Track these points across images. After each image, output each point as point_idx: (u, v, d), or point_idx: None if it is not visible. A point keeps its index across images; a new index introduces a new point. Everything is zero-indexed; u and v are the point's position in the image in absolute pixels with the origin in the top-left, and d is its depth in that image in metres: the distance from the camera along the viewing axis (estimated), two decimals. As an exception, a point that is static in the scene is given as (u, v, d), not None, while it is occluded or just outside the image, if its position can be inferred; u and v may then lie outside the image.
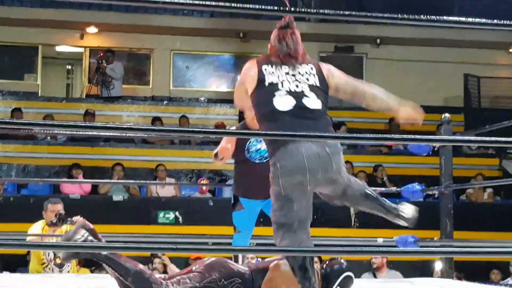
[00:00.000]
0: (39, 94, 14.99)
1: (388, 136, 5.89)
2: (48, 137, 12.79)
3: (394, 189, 7.60)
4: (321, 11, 3.33)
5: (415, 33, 15.30)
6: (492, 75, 15.74)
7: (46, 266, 7.14)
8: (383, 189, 8.52)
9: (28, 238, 7.03)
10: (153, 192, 11.33)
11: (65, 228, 6.92)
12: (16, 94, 14.49)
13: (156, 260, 9.23)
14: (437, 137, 4.24)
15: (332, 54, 15.87)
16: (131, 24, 14.95)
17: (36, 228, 7.16)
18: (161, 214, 10.61)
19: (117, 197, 10.81)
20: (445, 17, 3.31)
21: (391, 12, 3.25)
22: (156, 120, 13.20)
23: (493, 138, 3.31)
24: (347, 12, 3.32)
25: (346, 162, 13.56)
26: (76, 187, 11.08)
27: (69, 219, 6.71)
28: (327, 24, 15.37)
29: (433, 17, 3.24)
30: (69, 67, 17.55)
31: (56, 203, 7.13)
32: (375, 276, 9.08)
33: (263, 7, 3.21)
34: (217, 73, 16.07)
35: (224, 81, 16.03)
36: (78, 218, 6.84)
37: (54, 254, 7.16)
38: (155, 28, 15.03)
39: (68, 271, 7.23)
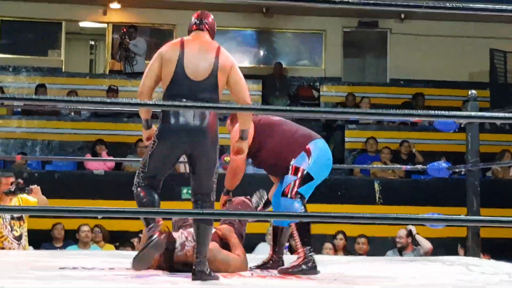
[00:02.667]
0: (63, 70, 15.02)
1: (414, 112, 5.82)
2: (72, 113, 12.82)
3: (420, 166, 7.55)
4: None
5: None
6: (519, 50, 15.53)
7: (5, 239, 7.06)
8: (408, 167, 8.47)
9: None
10: (180, 168, 11.31)
11: (20, 197, 6.85)
12: (40, 70, 14.52)
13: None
14: (463, 113, 4.17)
15: (356, 30, 15.73)
16: (154, -1, 14.90)
17: None
18: (185, 190, 10.61)
19: (141, 173, 10.79)
20: (470, 5, 3.26)
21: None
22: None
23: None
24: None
25: (371, 138, 13.44)
26: (100, 163, 11.11)
27: (26, 188, 6.65)
28: (351, -2, 15.21)
29: (458, 5, 3.19)
30: (92, 42, 17.57)
31: (9, 176, 6.97)
32: (400, 254, 9.02)
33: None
34: (239, 49, 15.95)
35: (247, 57, 15.92)
36: (35, 187, 6.77)
37: (11, 227, 7.11)
38: (178, 4, 14.92)
39: (25, 245, 7.12)
